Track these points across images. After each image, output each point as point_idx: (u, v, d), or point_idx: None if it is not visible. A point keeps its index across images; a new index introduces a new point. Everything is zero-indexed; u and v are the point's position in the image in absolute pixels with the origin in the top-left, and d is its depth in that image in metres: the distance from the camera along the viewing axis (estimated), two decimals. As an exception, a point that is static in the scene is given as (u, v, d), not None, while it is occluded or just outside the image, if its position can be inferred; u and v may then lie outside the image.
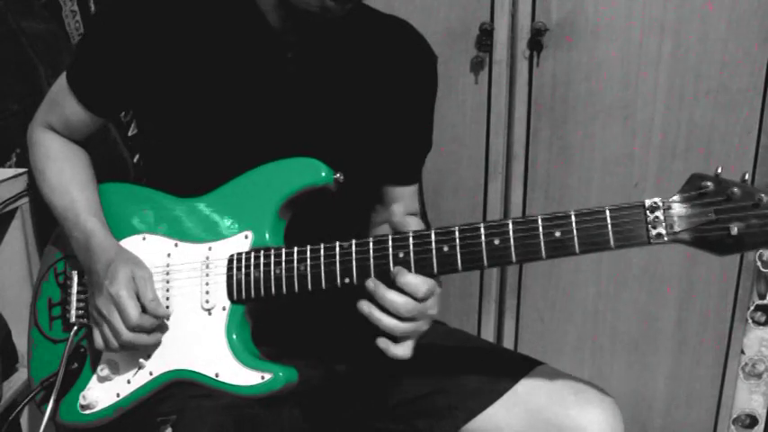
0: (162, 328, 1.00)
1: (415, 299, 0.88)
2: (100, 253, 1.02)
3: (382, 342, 0.90)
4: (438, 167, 1.56)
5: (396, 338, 0.90)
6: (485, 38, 1.52)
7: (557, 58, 1.53)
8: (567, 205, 1.62)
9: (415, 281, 0.88)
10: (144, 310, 0.97)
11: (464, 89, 1.57)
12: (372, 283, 0.89)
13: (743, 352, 1.76)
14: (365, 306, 0.90)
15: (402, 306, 0.88)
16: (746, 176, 0.77)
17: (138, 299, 0.98)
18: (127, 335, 0.96)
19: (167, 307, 1.01)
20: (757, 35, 1.48)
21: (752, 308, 1.73)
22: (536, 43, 1.51)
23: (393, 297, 0.88)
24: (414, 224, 0.91)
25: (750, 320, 1.74)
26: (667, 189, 1.59)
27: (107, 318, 0.97)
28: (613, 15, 1.49)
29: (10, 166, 1.45)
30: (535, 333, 1.74)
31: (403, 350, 0.91)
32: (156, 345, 1.01)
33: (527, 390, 1.02)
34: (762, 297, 1.72)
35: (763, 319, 1.75)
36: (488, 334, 1.74)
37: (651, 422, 1.80)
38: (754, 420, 1.83)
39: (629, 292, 1.69)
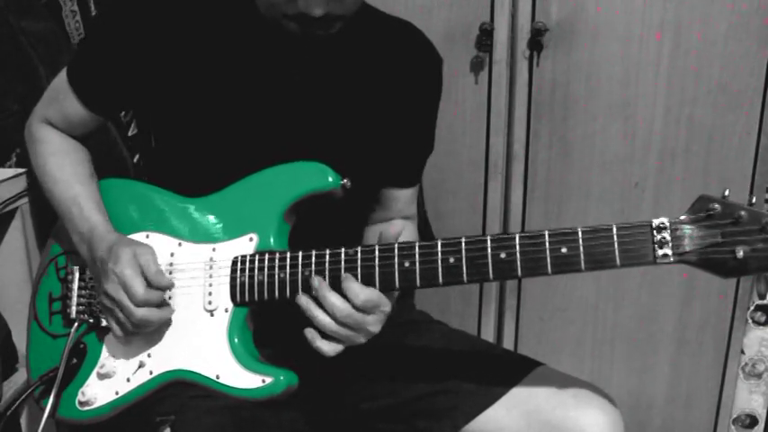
0: (171, 309, 1.00)
1: (353, 306, 0.89)
2: (101, 242, 1.02)
3: (309, 333, 0.93)
4: (438, 167, 1.56)
5: (326, 335, 0.93)
6: (485, 38, 1.52)
7: (557, 58, 1.53)
8: (567, 206, 1.63)
9: (356, 289, 0.89)
10: (149, 284, 0.97)
11: (464, 89, 1.57)
12: (317, 282, 0.92)
13: (743, 352, 1.76)
14: (303, 299, 0.92)
15: (339, 310, 0.90)
16: (754, 200, 0.78)
17: (143, 275, 0.98)
18: (138, 312, 0.96)
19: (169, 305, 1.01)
20: (757, 35, 1.48)
21: (752, 308, 1.73)
22: (536, 43, 1.51)
23: (333, 299, 0.90)
24: (408, 234, 0.92)
25: (750, 320, 1.74)
26: (667, 189, 1.61)
27: (117, 299, 0.97)
28: (613, 15, 1.49)
29: (10, 166, 1.45)
30: (535, 333, 1.74)
31: (329, 347, 0.93)
32: (161, 336, 1.01)
33: (527, 391, 1.02)
34: (762, 297, 1.72)
35: (763, 319, 1.75)
36: (488, 334, 1.74)
37: (651, 422, 1.80)
38: (754, 420, 1.83)
39: (629, 292, 1.69)
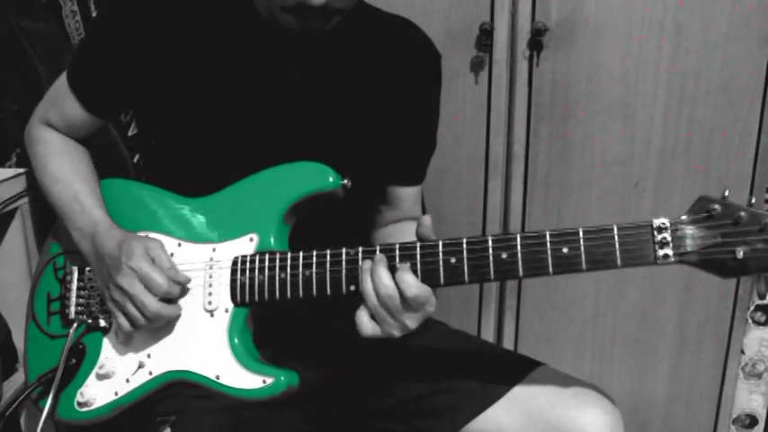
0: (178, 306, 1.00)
1: (402, 296, 0.87)
2: (107, 238, 1.02)
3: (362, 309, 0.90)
4: (438, 167, 1.56)
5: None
6: (485, 38, 1.52)
7: (557, 58, 1.53)
8: (567, 206, 1.63)
9: (410, 281, 0.87)
10: None
11: (464, 89, 1.57)
12: (379, 255, 0.90)
13: (743, 352, 1.76)
14: (367, 263, 0.90)
15: (384, 287, 0.87)
16: (753, 200, 0.79)
17: None
18: (154, 305, 0.96)
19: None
20: (757, 35, 1.48)
21: (752, 308, 1.73)
22: (536, 43, 1.51)
23: (382, 274, 0.88)
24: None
25: (750, 320, 1.74)
26: (667, 189, 1.61)
27: (130, 292, 0.96)
28: (613, 15, 1.49)
29: (10, 166, 1.45)
30: (535, 333, 1.74)
31: (370, 327, 0.91)
32: (161, 337, 1.01)
33: (527, 391, 1.02)
34: (762, 297, 1.72)
35: (763, 319, 1.75)
36: (488, 334, 1.74)
37: (651, 422, 1.80)
38: (754, 420, 1.83)
39: (629, 292, 1.69)
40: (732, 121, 1.54)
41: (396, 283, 0.87)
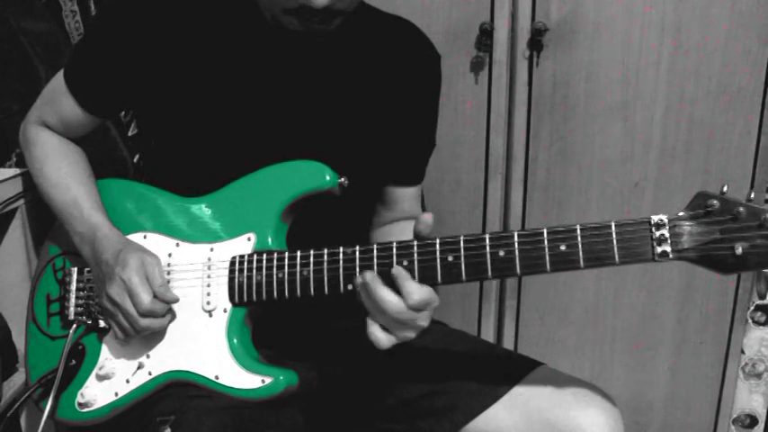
0: (172, 312, 1.00)
1: (407, 305, 0.87)
2: (107, 244, 1.02)
3: (370, 320, 0.89)
4: (438, 167, 1.56)
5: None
6: (485, 38, 1.52)
7: (557, 58, 1.53)
8: (567, 206, 1.63)
9: (411, 287, 0.87)
10: (153, 295, 0.97)
11: (464, 89, 1.57)
12: (369, 276, 0.88)
13: (743, 352, 1.76)
14: (360, 279, 0.89)
15: (392, 305, 0.87)
16: (752, 195, 0.78)
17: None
18: (142, 321, 0.96)
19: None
20: (757, 35, 1.48)
21: (752, 308, 1.73)
22: (536, 43, 1.51)
23: (383, 294, 0.87)
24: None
25: (750, 320, 1.74)
26: (667, 189, 1.61)
27: (121, 305, 0.97)
28: (613, 15, 1.49)
29: (10, 166, 1.45)
30: (535, 333, 1.74)
31: (387, 339, 0.89)
32: (160, 337, 1.01)
33: (527, 391, 1.02)
34: (762, 297, 1.72)
35: (763, 319, 1.75)
36: (488, 334, 1.74)
37: (651, 422, 1.80)
38: (754, 420, 1.83)
39: (629, 292, 1.69)
40: (732, 121, 1.54)
41: (400, 295, 0.87)
